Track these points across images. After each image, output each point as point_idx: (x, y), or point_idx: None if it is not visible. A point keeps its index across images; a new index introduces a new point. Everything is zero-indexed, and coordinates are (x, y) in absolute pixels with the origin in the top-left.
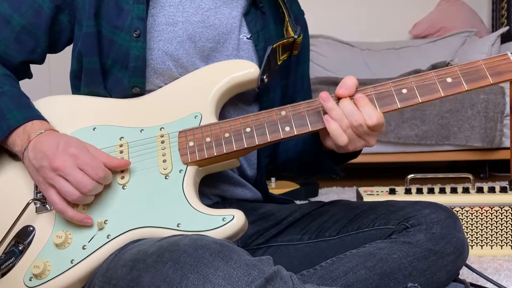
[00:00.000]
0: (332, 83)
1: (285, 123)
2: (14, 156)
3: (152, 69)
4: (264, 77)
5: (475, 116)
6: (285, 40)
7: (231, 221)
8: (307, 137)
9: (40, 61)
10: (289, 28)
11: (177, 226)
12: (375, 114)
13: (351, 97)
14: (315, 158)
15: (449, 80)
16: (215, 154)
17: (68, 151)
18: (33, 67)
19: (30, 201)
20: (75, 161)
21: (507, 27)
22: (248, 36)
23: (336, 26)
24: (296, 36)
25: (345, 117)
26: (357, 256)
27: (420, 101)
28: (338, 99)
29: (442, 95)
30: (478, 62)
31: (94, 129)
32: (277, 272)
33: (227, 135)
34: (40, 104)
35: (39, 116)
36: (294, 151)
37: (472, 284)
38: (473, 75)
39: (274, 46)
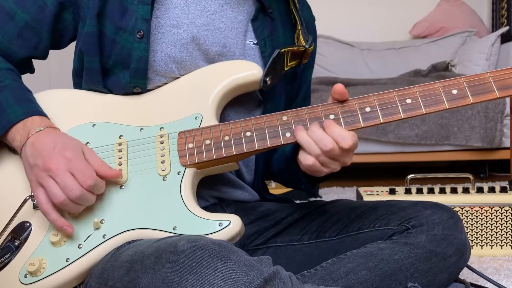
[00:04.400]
0: (332, 83)
1: (286, 128)
2: (14, 151)
3: (155, 71)
4: (267, 79)
5: (475, 116)
6: (296, 48)
7: (227, 226)
8: (289, 157)
9: (43, 57)
10: (301, 37)
11: (173, 229)
12: (347, 135)
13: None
14: (293, 178)
15: (454, 92)
16: (214, 157)
17: (64, 154)
18: (33, 63)
19: (28, 197)
20: (68, 165)
21: (507, 27)
22: (255, 42)
23: (336, 26)
24: (307, 46)
25: (314, 143)
26: (357, 257)
27: (424, 112)
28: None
29: (447, 107)
30: (485, 74)
31: (93, 126)
32: (276, 273)
33: (227, 138)
34: (41, 98)
35: (39, 112)
36: (277, 167)
37: (472, 284)
38: (479, 88)
39: (283, 50)
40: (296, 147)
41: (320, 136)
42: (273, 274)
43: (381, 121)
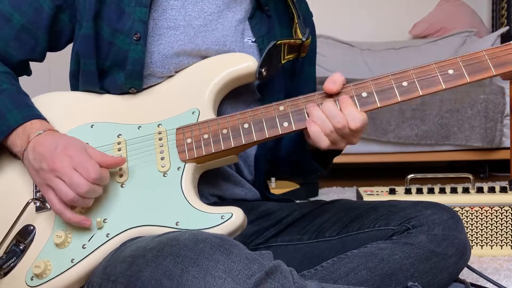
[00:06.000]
0: None
1: (284, 118)
2: (15, 155)
3: (152, 72)
4: (263, 70)
5: (475, 116)
6: (292, 40)
7: (229, 219)
8: (296, 136)
9: (40, 59)
10: (298, 30)
11: (176, 224)
12: (358, 116)
13: (335, 97)
14: (302, 156)
15: (450, 71)
16: (213, 151)
17: (66, 153)
18: (33, 65)
19: (30, 201)
20: (71, 162)
21: (507, 27)
22: (253, 40)
23: (336, 26)
24: (304, 39)
25: (328, 119)
26: (358, 257)
27: (421, 94)
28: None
29: (444, 87)
30: (480, 52)
31: (92, 127)
32: (277, 266)
33: (225, 131)
34: (39, 101)
35: (38, 116)
36: (285, 151)
37: (472, 284)
38: (475, 66)
39: (279, 42)
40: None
41: (333, 112)
42: (274, 268)
43: (378, 105)
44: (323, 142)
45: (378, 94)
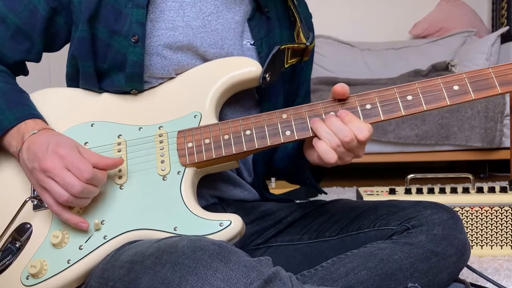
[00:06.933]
0: (332, 83)
1: (286, 127)
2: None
3: (151, 74)
4: (266, 75)
5: (475, 116)
6: (296, 45)
7: (228, 226)
8: (293, 153)
9: (36, 60)
10: (301, 34)
11: (174, 229)
12: (365, 127)
13: (338, 107)
14: (298, 174)
15: (456, 88)
16: (214, 156)
17: (57, 152)
18: (33, 64)
19: (27, 199)
20: (63, 162)
21: (507, 27)
22: (252, 42)
23: (336, 26)
24: (308, 43)
25: (334, 134)
26: (358, 257)
27: (425, 109)
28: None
29: (448, 103)
30: (487, 70)
31: (92, 125)
32: (276, 274)
33: (226, 137)
34: (39, 96)
35: (32, 115)
36: (280, 164)
37: (472, 284)
38: (481, 83)
39: (283, 47)
40: (299, 142)
41: (340, 127)
42: (273, 275)
43: (382, 118)
44: (331, 158)
45: (382, 107)
